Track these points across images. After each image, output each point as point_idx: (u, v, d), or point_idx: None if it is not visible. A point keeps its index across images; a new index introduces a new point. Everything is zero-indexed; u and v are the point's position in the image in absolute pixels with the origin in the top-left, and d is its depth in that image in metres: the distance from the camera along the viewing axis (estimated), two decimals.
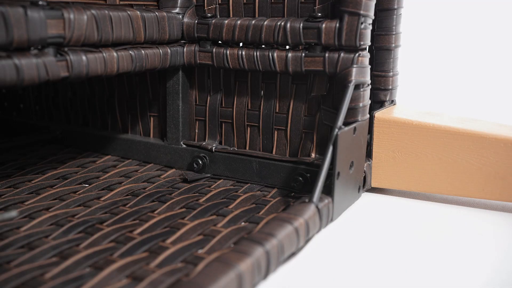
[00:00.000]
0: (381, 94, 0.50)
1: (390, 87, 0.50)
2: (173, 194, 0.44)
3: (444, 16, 0.91)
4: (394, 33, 0.49)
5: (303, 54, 0.44)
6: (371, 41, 0.46)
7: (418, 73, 0.85)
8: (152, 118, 0.55)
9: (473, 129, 0.45)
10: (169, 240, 0.35)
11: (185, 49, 0.50)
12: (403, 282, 0.32)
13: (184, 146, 0.52)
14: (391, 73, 0.49)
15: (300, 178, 0.45)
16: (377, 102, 0.50)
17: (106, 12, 0.39)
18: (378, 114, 0.47)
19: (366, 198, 0.48)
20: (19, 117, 0.67)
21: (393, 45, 0.49)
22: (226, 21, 0.47)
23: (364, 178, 0.47)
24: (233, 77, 0.51)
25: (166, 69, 0.49)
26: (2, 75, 0.32)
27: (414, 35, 0.71)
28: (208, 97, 0.52)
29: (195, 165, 0.50)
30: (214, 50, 0.48)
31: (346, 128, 0.40)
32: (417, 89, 0.80)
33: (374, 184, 0.49)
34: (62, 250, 0.33)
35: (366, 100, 0.45)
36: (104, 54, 0.39)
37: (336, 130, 0.39)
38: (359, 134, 0.43)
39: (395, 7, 0.48)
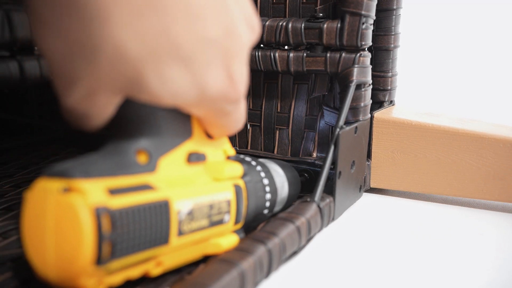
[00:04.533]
0: (380, 95, 0.50)
1: (389, 87, 0.50)
2: None
3: (444, 17, 0.91)
4: (393, 33, 0.49)
5: (305, 54, 0.45)
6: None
7: (417, 73, 0.86)
8: None
9: (472, 129, 0.45)
10: None
11: None
12: (404, 282, 0.33)
13: None
14: (390, 73, 0.50)
15: (306, 174, 0.45)
16: (376, 103, 0.50)
17: None
18: (377, 114, 0.48)
19: (367, 198, 0.48)
20: (22, 117, 0.67)
21: (392, 45, 0.49)
22: None
23: (364, 178, 0.47)
24: None
25: None
26: (7, 74, 0.32)
27: (414, 35, 0.71)
28: None
29: None
30: None
31: (348, 128, 0.41)
32: (416, 90, 0.80)
33: (373, 184, 0.49)
34: None
35: (367, 100, 0.45)
36: None
37: (338, 129, 0.40)
38: (360, 133, 0.44)
39: (394, 7, 0.48)
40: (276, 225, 0.34)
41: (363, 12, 0.42)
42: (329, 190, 0.40)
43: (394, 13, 0.48)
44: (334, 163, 0.39)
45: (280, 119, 0.49)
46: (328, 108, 0.47)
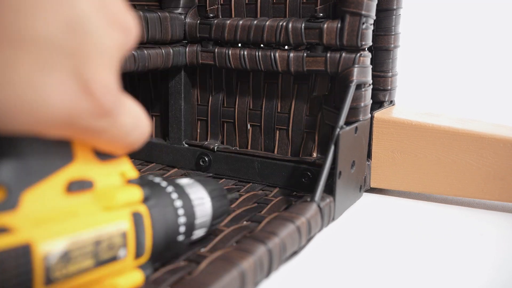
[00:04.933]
0: (380, 95, 0.50)
1: (389, 87, 0.50)
2: None
3: (444, 17, 0.91)
4: (393, 33, 0.49)
5: (305, 54, 0.45)
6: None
7: (417, 73, 0.86)
8: (154, 118, 0.55)
9: (472, 129, 0.45)
10: None
11: (187, 49, 0.50)
12: (404, 282, 0.33)
13: (186, 145, 0.52)
14: (390, 73, 0.50)
15: (309, 174, 0.45)
16: (376, 103, 0.50)
17: None
18: (377, 114, 0.48)
19: (367, 198, 0.48)
20: None
21: (392, 45, 0.49)
22: (228, 22, 0.48)
23: (364, 178, 0.48)
24: (235, 77, 0.51)
25: (168, 69, 0.49)
26: None
27: (414, 35, 0.71)
28: (210, 97, 0.52)
29: (201, 163, 0.51)
30: (216, 50, 0.49)
31: (348, 128, 0.41)
32: (416, 90, 0.80)
33: (373, 184, 0.49)
34: None
35: (367, 100, 0.45)
36: None
37: (338, 129, 0.40)
38: (360, 133, 0.44)
39: (394, 7, 0.48)
40: (276, 225, 0.34)
41: (363, 12, 0.42)
42: (329, 190, 0.40)
43: (394, 13, 0.48)
44: (334, 163, 0.39)
45: (280, 119, 0.49)
46: (328, 108, 0.47)
